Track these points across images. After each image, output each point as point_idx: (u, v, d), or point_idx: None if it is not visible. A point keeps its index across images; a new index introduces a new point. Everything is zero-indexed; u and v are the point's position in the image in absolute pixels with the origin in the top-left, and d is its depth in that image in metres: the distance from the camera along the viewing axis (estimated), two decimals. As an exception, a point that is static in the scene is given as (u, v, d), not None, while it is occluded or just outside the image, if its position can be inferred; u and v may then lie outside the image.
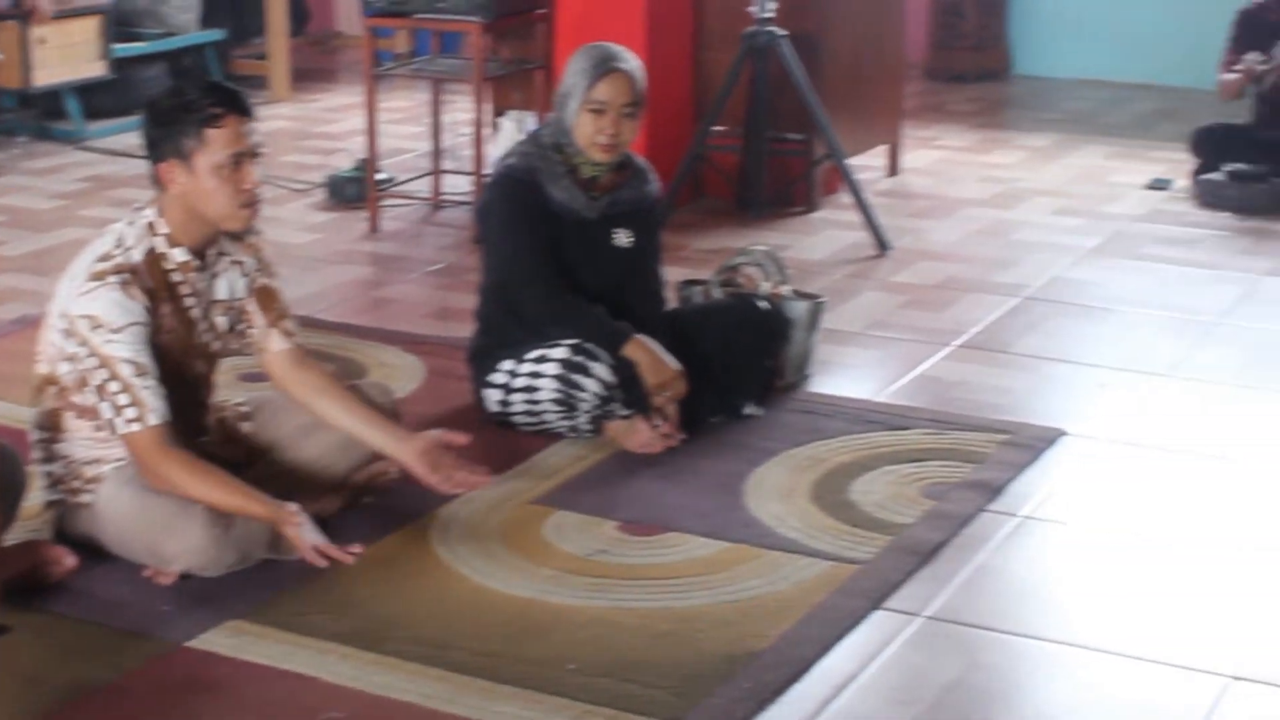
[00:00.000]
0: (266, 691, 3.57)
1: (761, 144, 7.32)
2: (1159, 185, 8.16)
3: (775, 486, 4.63)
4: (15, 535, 4.00)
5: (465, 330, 5.19)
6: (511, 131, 7.10)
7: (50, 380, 4.06)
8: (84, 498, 4.08)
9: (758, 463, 4.77)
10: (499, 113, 7.53)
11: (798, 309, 5.36)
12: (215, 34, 9.69)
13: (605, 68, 4.82)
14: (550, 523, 4.38)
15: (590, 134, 4.82)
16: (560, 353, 4.78)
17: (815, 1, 7.49)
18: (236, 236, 4.18)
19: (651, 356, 4.81)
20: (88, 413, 4.02)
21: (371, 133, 7.19)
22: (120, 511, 4.01)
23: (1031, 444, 4.92)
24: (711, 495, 4.57)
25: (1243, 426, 5.16)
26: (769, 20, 7.06)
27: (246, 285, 4.22)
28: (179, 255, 4.07)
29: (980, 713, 3.59)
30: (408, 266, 6.77)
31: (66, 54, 8.86)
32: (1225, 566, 4.26)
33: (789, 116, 7.30)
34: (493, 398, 4.93)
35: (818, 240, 7.14)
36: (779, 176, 7.46)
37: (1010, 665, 3.82)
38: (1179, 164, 8.27)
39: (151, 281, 4.02)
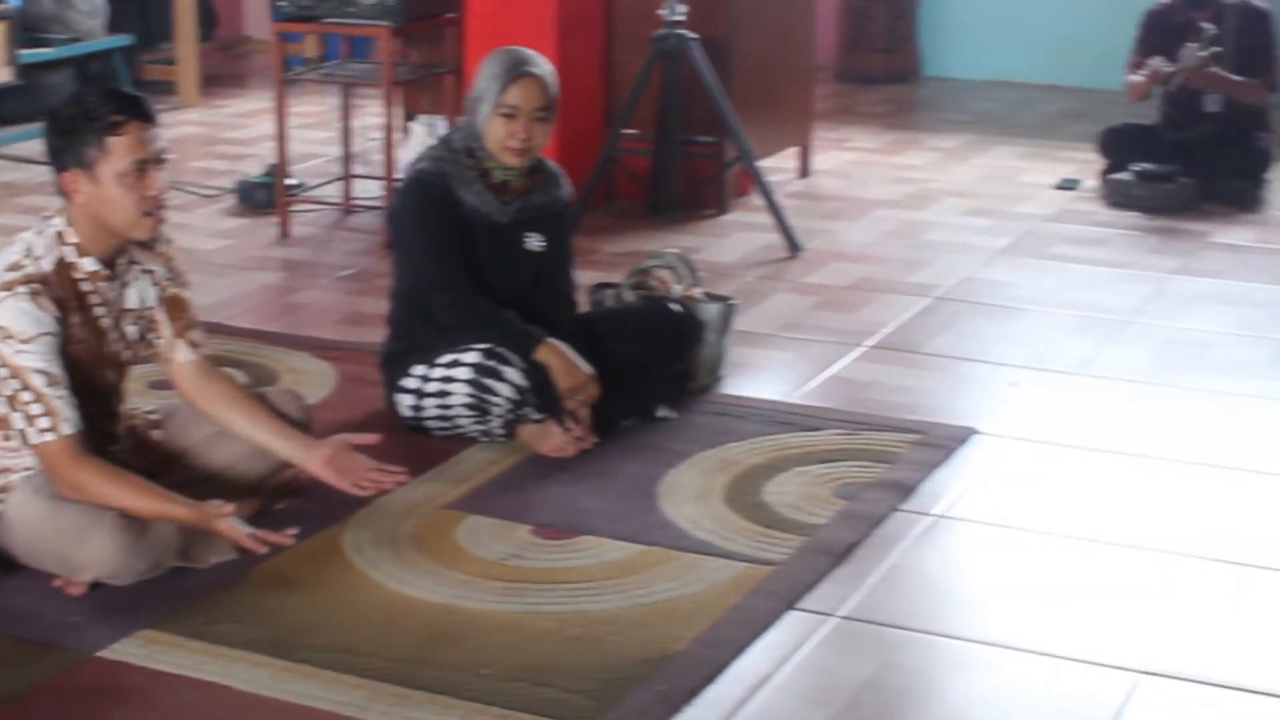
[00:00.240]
0: (179, 701, 3.55)
1: (673, 147, 7.33)
2: (1068, 185, 8.21)
3: (689, 489, 4.63)
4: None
5: (377, 335, 5.17)
6: (422, 136, 7.08)
7: (-42, 391, 4.02)
8: (-7, 508, 4.04)
9: (671, 465, 4.77)
10: (409, 117, 7.51)
11: (710, 311, 5.37)
12: (123, 39, 9.61)
13: (517, 72, 4.81)
14: (463, 527, 4.37)
15: (502, 138, 4.81)
16: (472, 357, 4.77)
17: (725, 5, 7.50)
18: (146, 245, 4.14)
19: (564, 360, 4.80)
20: (-1, 423, 3.99)
21: (281, 138, 7.15)
22: (30, 521, 3.97)
23: (943, 443, 4.94)
24: (625, 498, 4.57)
25: (1152, 423, 5.20)
26: (679, 24, 7.07)
27: (157, 294, 4.19)
28: (88, 265, 4.03)
29: (895, 711, 3.60)
30: (318, 272, 6.74)
31: (-28, 60, 8.78)
32: (1136, 563, 4.29)
33: (700, 119, 7.31)
34: (405, 403, 4.91)
35: (729, 242, 7.15)
36: (690, 179, 7.47)
37: (924, 664, 3.83)
38: (1087, 164, 8.32)
39: (62, 291, 3.98)
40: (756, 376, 5.54)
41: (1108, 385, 5.54)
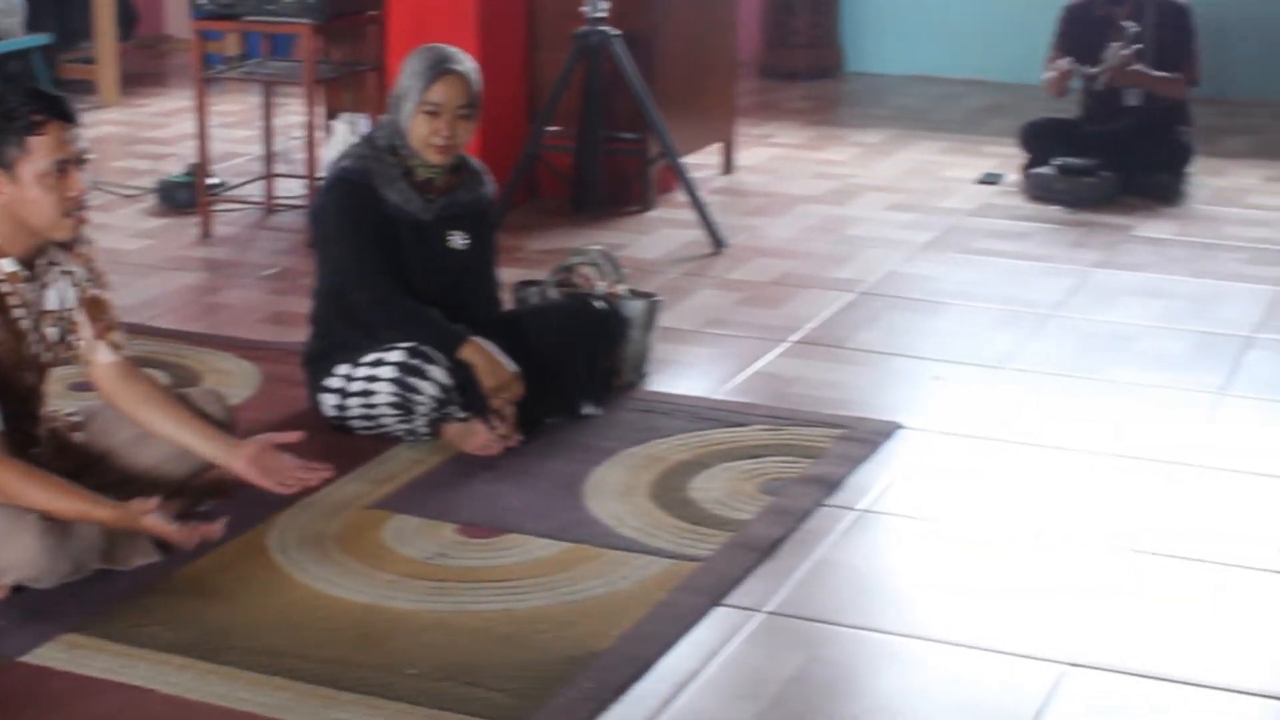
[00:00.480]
0: (104, 705, 3.52)
1: (596, 144, 7.32)
2: (990, 180, 8.25)
3: (614, 486, 4.63)
4: None
5: (300, 335, 5.15)
6: (344, 134, 7.05)
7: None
8: (-87, 511, 4.00)
9: (597, 462, 4.77)
10: (331, 115, 7.48)
11: (634, 308, 5.37)
12: (41, 38, 9.53)
13: (440, 69, 4.79)
14: (389, 527, 4.35)
15: (425, 136, 4.79)
16: (396, 356, 4.75)
17: (647, 1, 7.50)
18: (67, 246, 4.11)
19: (488, 359, 4.79)
20: (-83, 425, 3.95)
21: (202, 137, 7.11)
22: (-50, 525, 3.94)
23: (868, 438, 4.95)
24: (551, 496, 4.56)
25: (1075, 416, 5.22)
26: (601, 20, 7.06)
27: (77, 295, 4.16)
28: (7, 266, 4.00)
29: (822, 705, 3.60)
30: (241, 272, 6.71)
31: (-112, 60, 8.70)
32: (1060, 556, 4.31)
33: (623, 116, 7.31)
34: (329, 402, 4.89)
35: (653, 239, 7.15)
36: (614, 176, 7.47)
37: (851, 658, 3.84)
38: (1010, 159, 8.36)
39: (-21, 293, 3.95)
40: (681, 373, 5.54)
41: (1031, 379, 5.57)
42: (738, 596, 4.04)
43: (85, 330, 4.17)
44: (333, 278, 4.92)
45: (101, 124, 9.32)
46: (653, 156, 7.45)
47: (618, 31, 7.10)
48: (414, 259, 4.85)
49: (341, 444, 4.80)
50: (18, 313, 4.03)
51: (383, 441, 4.84)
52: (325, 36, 7.09)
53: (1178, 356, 5.80)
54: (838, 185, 8.21)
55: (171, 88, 10.52)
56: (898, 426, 5.06)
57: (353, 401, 4.83)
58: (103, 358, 4.20)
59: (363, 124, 7.01)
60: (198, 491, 4.33)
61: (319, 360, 4.93)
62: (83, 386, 4.78)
